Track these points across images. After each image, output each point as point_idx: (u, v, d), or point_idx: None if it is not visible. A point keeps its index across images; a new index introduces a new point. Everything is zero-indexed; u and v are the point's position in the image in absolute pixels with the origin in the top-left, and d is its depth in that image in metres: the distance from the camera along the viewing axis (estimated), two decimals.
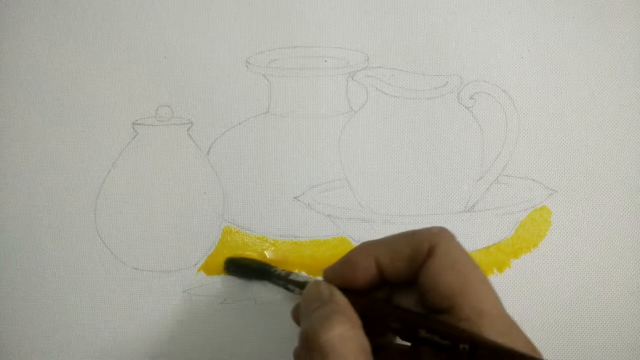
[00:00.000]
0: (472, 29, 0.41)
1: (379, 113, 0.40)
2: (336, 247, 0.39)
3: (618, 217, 0.40)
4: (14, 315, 0.38)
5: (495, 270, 0.39)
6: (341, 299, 0.28)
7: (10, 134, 0.40)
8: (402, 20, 0.41)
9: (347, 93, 0.41)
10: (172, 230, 0.39)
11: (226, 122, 0.40)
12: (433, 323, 0.26)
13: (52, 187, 0.39)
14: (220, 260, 0.39)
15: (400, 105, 0.40)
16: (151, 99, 0.40)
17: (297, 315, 0.34)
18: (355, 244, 0.39)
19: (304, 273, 0.35)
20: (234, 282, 0.39)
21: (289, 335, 0.38)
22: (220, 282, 0.39)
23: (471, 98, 0.40)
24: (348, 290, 0.29)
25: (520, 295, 0.39)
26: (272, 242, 0.39)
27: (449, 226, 0.39)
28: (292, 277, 0.34)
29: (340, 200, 0.40)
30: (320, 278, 0.31)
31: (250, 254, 0.39)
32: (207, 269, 0.39)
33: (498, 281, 0.39)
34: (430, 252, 0.28)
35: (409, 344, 0.30)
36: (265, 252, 0.39)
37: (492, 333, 0.26)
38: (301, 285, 0.33)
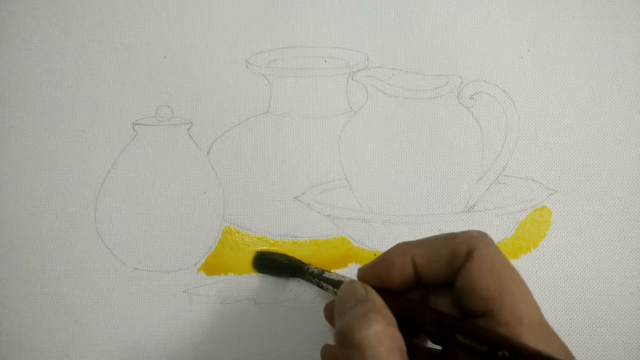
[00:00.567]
0: (472, 29, 0.41)
1: (379, 113, 0.40)
2: (336, 247, 0.39)
3: (618, 217, 0.40)
4: (14, 315, 0.38)
5: None
6: (377, 298, 0.27)
7: (11, 134, 0.40)
8: (402, 20, 0.41)
9: (347, 93, 0.41)
10: (172, 230, 0.39)
11: (226, 122, 0.40)
12: (471, 327, 0.26)
13: (52, 187, 0.39)
14: (221, 260, 0.39)
15: (400, 105, 0.40)
16: (151, 99, 0.40)
17: (328, 313, 0.34)
18: (355, 244, 0.40)
19: (337, 272, 0.35)
20: (234, 282, 0.39)
21: (289, 335, 0.38)
22: (220, 282, 0.39)
23: (471, 98, 0.40)
24: (382, 290, 0.28)
25: None
26: (272, 242, 0.39)
27: (449, 226, 0.40)
28: (325, 275, 0.34)
29: (340, 200, 0.40)
30: (353, 278, 0.31)
31: (279, 249, 0.39)
32: (207, 269, 0.39)
33: None
34: (468, 255, 0.27)
35: (439, 347, 0.30)
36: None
37: (532, 340, 0.25)
38: (335, 283, 0.33)
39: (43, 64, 0.40)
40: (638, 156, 0.40)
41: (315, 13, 0.41)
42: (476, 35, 0.41)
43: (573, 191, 0.40)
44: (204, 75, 0.40)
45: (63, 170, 0.39)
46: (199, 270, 0.39)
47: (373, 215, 0.40)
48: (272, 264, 0.39)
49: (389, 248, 0.30)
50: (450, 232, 0.29)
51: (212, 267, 0.39)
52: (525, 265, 0.39)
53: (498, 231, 0.40)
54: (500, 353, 0.24)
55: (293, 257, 0.38)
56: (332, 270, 0.35)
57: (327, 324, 0.36)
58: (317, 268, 0.36)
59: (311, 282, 0.35)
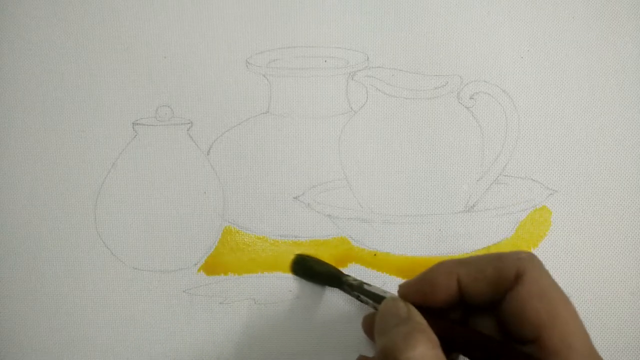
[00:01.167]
0: (472, 29, 0.41)
1: (379, 113, 0.40)
2: (336, 247, 0.39)
3: (618, 217, 0.40)
4: (14, 315, 0.38)
5: None
6: (421, 318, 0.27)
7: (11, 134, 0.40)
8: (402, 20, 0.41)
9: (347, 93, 0.41)
10: (172, 230, 0.39)
11: (226, 122, 0.40)
12: (520, 356, 0.25)
13: (52, 187, 0.39)
14: (221, 260, 0.39)
15: (400, 105, 0.40)
16: (151, 99, 0.40)
17: (367, 327, 0.33)
18: (355, 244, 0.40)
19: (377, 286, 0.34)
20: (234, 282, 0.39)
21: (289, 335, 0.38)
22: (220, 282, 0.39)
23: (471, 98, 0.40)
24: (423, 308, 0.28)
25: None
26: (272, 242, 0.39)
27: (449, 226, 0.40)
28: (365, 287, 0.33)
29: (340, 200, 0.40)
30: (394, 293, 0.31)
31: (322, 255, 0.39)
32: (207, 269, 0.39)
33: None
34: (517, 278, 0.27)
35: None
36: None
37: None
38: (376, 297, 0.32)
39: (43, 64, 0.40)
40: (638, 156, 0.40)
41: (315, 13, 0.41)
42: (476, 35, 0.41)
43: (573, 191, 0.40)
44: (204, 75, 0.40)
45: (63, 170, 0.39)
46: (199, 270, 0.39)
47: (373, 215, 0.40)
48: (307, 271, 0.38)
49: (432, 266, 0.29)
50: (497, 252, 0.28)
51: (212, 267, 0.39)
52: None
53: (498, 231, 0.40)
54: None
55: (332, 266, 0.38)
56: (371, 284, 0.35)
57: (327, 324, 0.36)
58: (356, 280, 0.35)
59: (350, 293, 0.35)
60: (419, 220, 0.40)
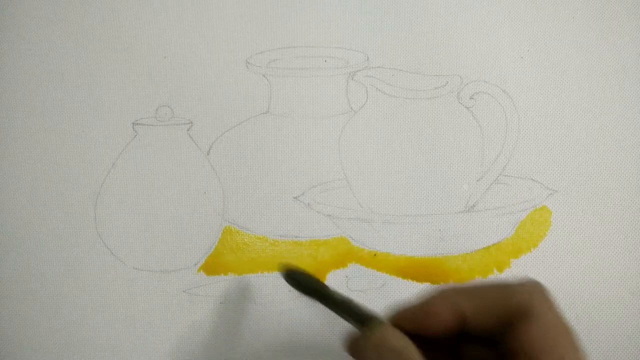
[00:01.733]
0: (472, 29, 0.41)
1: (379, 113, 0.40)
2: (336, 247, 0.39)
3: (618, 217, 0.40)
4: (14, 315, 0.38)
5: (495, 271, 0.39)
6: (416, 355, 0.25)
7: (11, 134, 0.40)
8: (402, 20, 0.41)
9: (347, 93, 0.41)
10: (172, 230, 0.39)
11: (226, 122, 0.40)
12: None
13: (52, 187, 0.39)
14: (221, 260, 0.39)
15: (400, 105, 0.40)
16: (151, 99, 0.40)
17: (352, 350, 0.29)
18: (355, 244, 0.39)
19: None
20: (234, 282, 0.39)
21: (289, 335, 0.38)
22: (220, 282, 0.39)
23: (471, 98, 0.40)
24: (417, 337, 0.26)
25: None
26: (272, 242, 0.39)
27: (449, 226, 0.40)
28: (352, 306, 0.30)
29: (340, 200, 0.40)
30: (381, 316, 0.29)
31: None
32: (207, 269, 0.39)
33: None
34: (524, 313, 0.25)
35: None
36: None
37: None
38: (363, 319, 0.29)
39: (43, 64, 0.40)
40: (638, 156, 0.40)
41: (315, 13, 0.41)
42: (476, 35, 0.41)
43: (573, 191, 0.40)
44: (204, 75, 0.40)
45: (63, 170, 0.39)
46: (198, 270, 0.39)
47: (373, 215, 0.40)
48: (294, 283, 0.37)
49: (431, 293, 0.27)
50: (503, 282, 0.27)
51: (212, 267, 0.39)
52: (525, 265, 0.39)
53: (498, 231, 0.40)
54: None
55: (318, 282, 0.34)
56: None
57: (327, 324, 0.36)
58: (341, 296, 0.32)
59: (334, 310, 0.32)
60: (419, 220, 0.40)
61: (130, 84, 0.40)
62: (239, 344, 0.38)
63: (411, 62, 0.41)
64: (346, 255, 0.39)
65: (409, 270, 0.39)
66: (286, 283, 0.35)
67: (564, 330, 0.25)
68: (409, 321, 0.27)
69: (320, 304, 0.33)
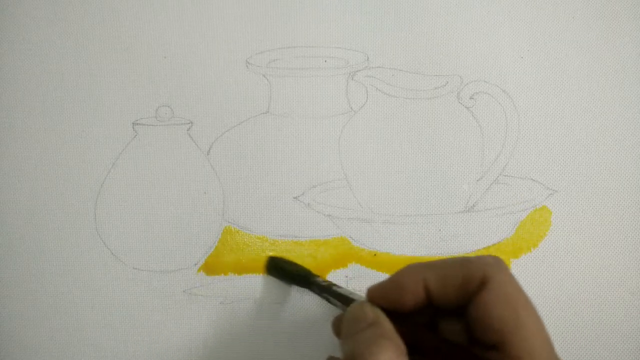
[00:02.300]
0: (472, 29, 0.41)
1: (379, 113, 0.40)
2: (336, 247, 0.39)
3: (618, 217, 0.40)
4: (14, 315, 0.38)
5: None
6: (387, 323, 0.27)
7: (11, 134, 0.40)
8: (402, 20, 0.41)
9: (347, 93, 0.41)
10: (172, 230, 0.39)
11: (226, 122, 0.40)
12: None
13: (52, 187, 0.39)
14: (221, 260, 0.39)
15: (400, 105, 0.40)
16: (151, 99, 0.40)
17: (336, 329, 0.33)
18: (355, 244, 0.40)
19: (345, 287, 0.34)
20: (234, 282, 0.39)
21: (289, 335, 0.38)
22: (220, 282, 0.39)
23: (471, 98, 0.40)
24: (391, 313, 0.28)
25: None
26: (272, 242, 0.39)
27: (449, 226, 0.40)
28: (334, 289, 0.33)
29: (340, 200, 0.40)
30: (362, 295, 0.30)
31: (294, 258, 0.39)
32: (207, 269, 0.39)
33: None
34: (483, 283, 0.27)
35: None
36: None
37: None
38: (344, 299, 0.31)
39: (43, 64, 0.40)
40: (638, 156, 0.40)
41: (315, 13, 0.41)
42: (476, 35, 0.41)
43: (573, 191, 0.40)
44: (204, 75, 0.40)
45: (63, 170, 0.39)
46: (199, 270, 0.39)
47: (373, 215, 0.40)
48: (279, 271, 0.38)
49: (401, 269, 0.29)
50: (464, 256, 0.28)
51: (212, 267, 0.39)
52: (525, 265, 0.39)
53: (498, 231, 0.40)
54: None
55: (303, 268, 0.38)
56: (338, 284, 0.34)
57: (327, 324, 0.36)
58: (326, 281, 0.35)
59: (319, 295, 0.34)
60: (419, 220, 0.40)
61: (130, 84, 0.40)
62: (239, 344, 0.38)
63: (411, 62, 0.41)
64: (346, 255, 0.39)
65: None
66: (276, 280, 0.37)
67: (521, 297, 0.27)
68: (381, 297, 0.29)
69: (307, 290, 0.36)
